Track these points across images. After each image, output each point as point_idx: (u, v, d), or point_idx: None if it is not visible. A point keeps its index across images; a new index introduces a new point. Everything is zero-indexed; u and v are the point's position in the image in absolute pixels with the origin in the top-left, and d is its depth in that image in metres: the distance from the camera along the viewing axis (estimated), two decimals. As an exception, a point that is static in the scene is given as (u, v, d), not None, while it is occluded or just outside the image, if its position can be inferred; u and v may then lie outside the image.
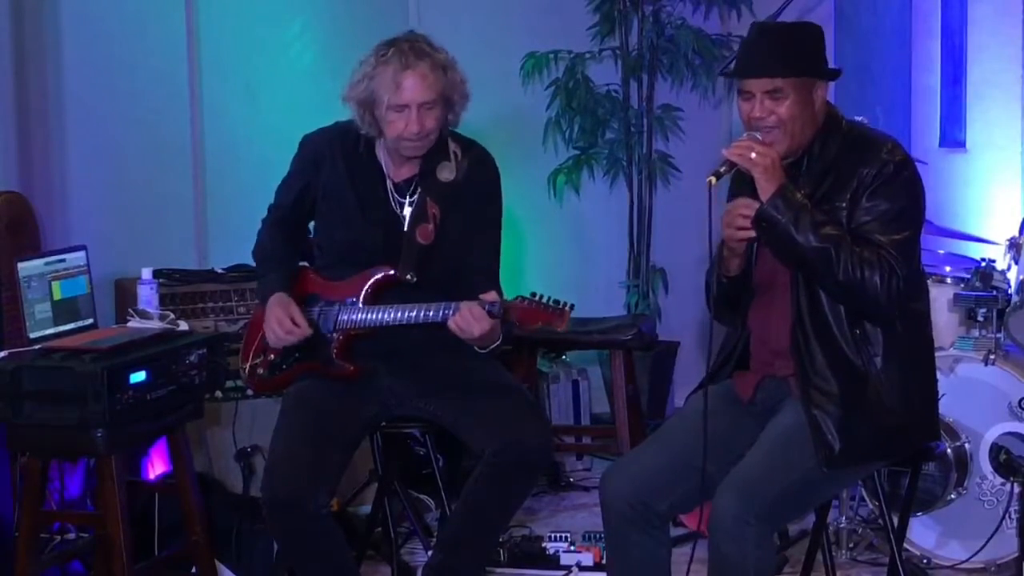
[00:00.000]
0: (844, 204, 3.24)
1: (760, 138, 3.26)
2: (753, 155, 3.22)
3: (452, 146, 3.75)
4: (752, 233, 3.27)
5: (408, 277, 3.66)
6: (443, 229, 3.70)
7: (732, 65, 3.40)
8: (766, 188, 3.21)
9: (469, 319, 3.46)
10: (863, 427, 3.22)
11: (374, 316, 3.64)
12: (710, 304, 3.45)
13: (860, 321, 3.25)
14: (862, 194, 3.23)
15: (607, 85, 5.93)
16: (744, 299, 3.42)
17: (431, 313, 3.55)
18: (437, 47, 3.66)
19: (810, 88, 3.26)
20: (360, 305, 3.68)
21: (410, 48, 3.61)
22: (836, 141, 3.30)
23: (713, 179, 3.26)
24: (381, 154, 3.76)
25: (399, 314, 3.60)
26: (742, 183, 3.35)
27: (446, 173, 3.73)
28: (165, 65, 5.25)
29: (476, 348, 3.57)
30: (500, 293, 3.59)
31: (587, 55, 5.89)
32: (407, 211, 3.72)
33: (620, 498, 3.31)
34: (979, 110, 5.32)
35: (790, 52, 3.25)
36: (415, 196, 3.73)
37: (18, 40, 4.76)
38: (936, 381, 3.47)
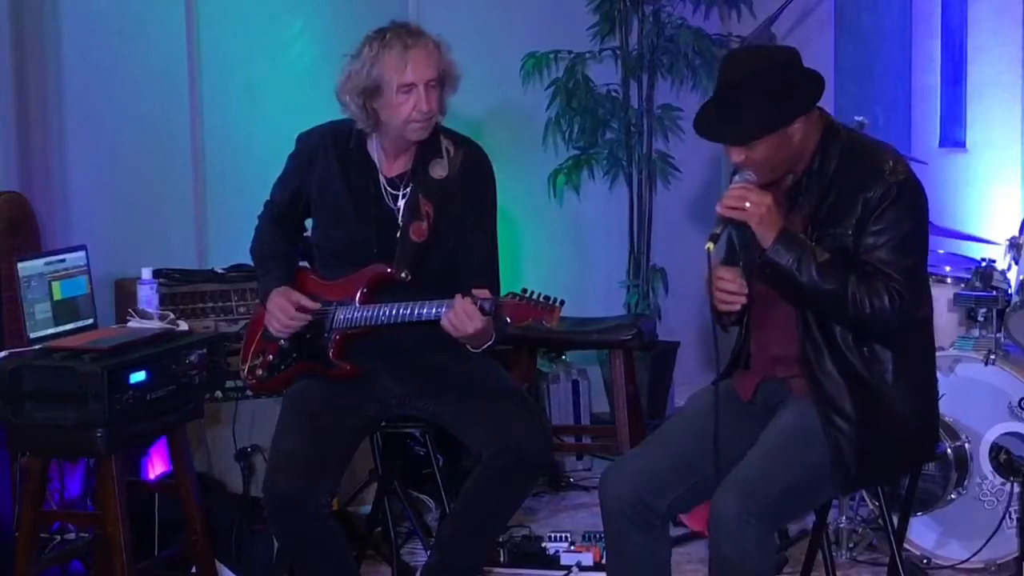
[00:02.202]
0: (850, 232, 3.20)
1: (752, 178, 3.22)
2: (747, 205, 3.18)
3: (444, 143, 3.75)
4: (737, 307, 3.26)
5: (403, 275, 3.66)
6: (437, 227, 3.69)
7: (699, 118, 3.35)
8: (765, 237, 3.19)
9: (462, 317, 3.45)
10: (878, 446, 3.22)
11: (369, 314, 3.64)
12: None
13: (870, 339, 3.24)
14: (868, 219, 3.19)
15: (607, 85, 5.93)
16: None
17: (425, 310, 3.55)
18: (425, 29, 3.69)
19: (784, 130, 3.20)
20: (356, 304, 3.68)
21: (407, 30, 3.64)
22: (834, 156, 3.25)
23: (711, 245, 3.22)
24: (373, 149, 3.76)
25: (394, 312, 3.60)
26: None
27: (439, 170, 3.72)
28: (165, 65, 5.25)
29: (469, 347, 3.57)
30: (497, 290, 3.59)
31: (587, 55, 5.89)
32: (399, 206, 3.72)
33: (620, 498, 3.30)
34: (979, 110, 5.32)
35: (755, 114, 3.17)
36: (407, 192, 3.72)
37: (18, 40, 4.76)
38: (936, 385, 3.46)
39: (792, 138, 3.22)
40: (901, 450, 3.29)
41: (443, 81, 3.65)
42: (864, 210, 3.19)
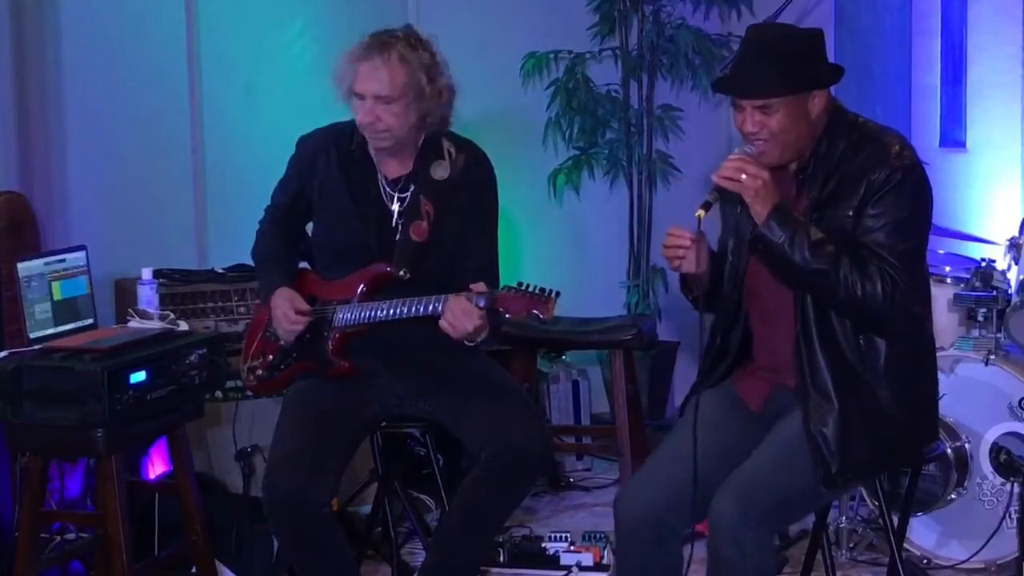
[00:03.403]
0: (851, 212, 3.17)
1: (750, 151, 3.19)
2: (743, 177, 3.14)
3: (446, 144, 3.75)
4: (683, 264, 3.24)
5: (401, 274, 3.66)
6: (437, 227, 3.70)
7: (723, 73, 3.33)
8: (760, 211, 3.14)
9: (460, 316, 3.44)
10: (862, 443, 3.18)
11: (367, 313, 3.65)
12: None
13: (865, 328, 3.21)
14: (869, 200, 3.16)
15: (607, 85, 5.93)
16: (720, 288, 3.36)
17: (421, 307, 3.54)
18: (420, 47, 3.64)
19: (805, 100, 3.18)
20: (356, 303, 3.68)
21: (383, 41, 3.61)
22: (841, 139, 3.22)
23: (702, 212, 3.18)
24: (374, 151, 3.76)
25: (392, 310, 3.60)
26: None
27: (440, 171, 3.73)
28: (165, 65, 5.25)
29: (465, 342, 3.55)
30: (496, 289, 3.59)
31: (587, 55, 5.89)
32: (399, 207, 3.73)
33: (637, 519, 3.23)
34: (979, 110, 5.32)
35: (780, 70, 3.15)
36: (407, 193, 3.73)
37: (18, 40, 4.76)
38: (937, 383, 3.44)
39: (809, 113, 3.19)
40: (887, 447, 3.24)
41: (408, 98, 3.60)
42: (867, 191, 3.16)
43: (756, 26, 3.38)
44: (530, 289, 3.42)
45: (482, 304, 3.43)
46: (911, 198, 3.18)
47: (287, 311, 3.70)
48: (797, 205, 3.24)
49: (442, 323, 3.48)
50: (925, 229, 3.26)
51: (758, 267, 3.30)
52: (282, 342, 3.76)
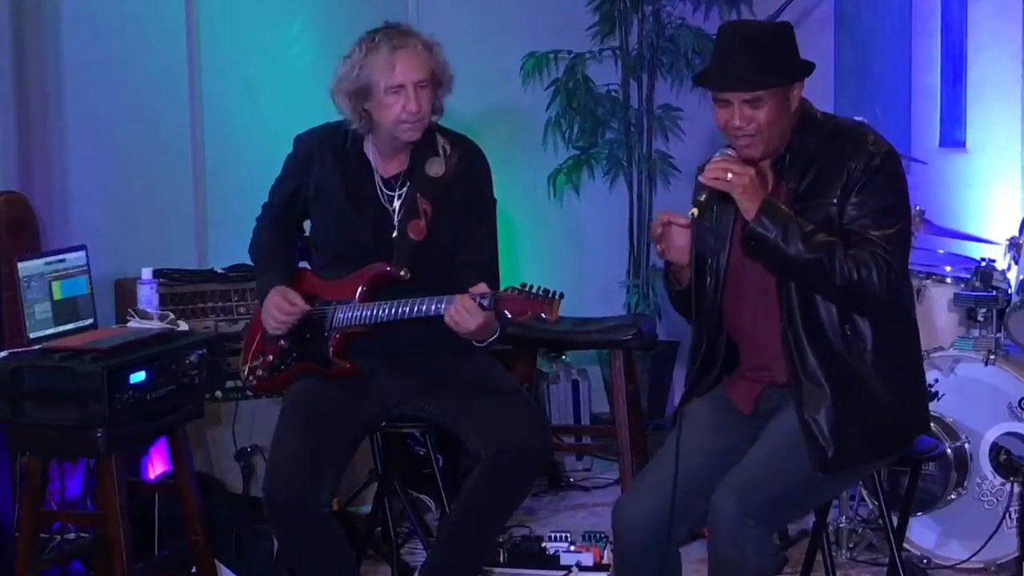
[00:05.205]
0: (835, 200, 3.21)
1: (732, 154, 3.23)
2: (730, 176, 3.18)
3: (441, 141, 3.75)
4: (677, 260, 3.28)
5: (402, 273, 3.66)
6: (435, 225, 3.70)
7: (706, 72, 3.34)
8: (748, 208, 3.17)
9: (464, 313, 3.45)
10: (856, 429, 3.19)
11: (369, 313, 3.64)
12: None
13: (851, 316, 3.22)
14: (852, 188, 3.20)
15: (607, 85, 5.93)
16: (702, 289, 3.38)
17: (424, 307, 3.55)
18: (417, 30, 3.69)
19: (787, 92, 3.23)
20: (356, 303, 3.68)
21: (396, 31, 3.64)
22: (814, 132, 3.27)
23: (695, 211, 3.22)
24: (369, 150, 3.77)
25: (394, 310, 3.60)
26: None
27: (435, 168, 3.73)
28: (165, 65, 5.25)
29: (475, 342, 3.57)
30: (496, 287, 3.59)
31: (587, 55, 5.90)
32: (396, 205, 3.73)
33: (639, 529, 3.24)
34: (979, 110, 5.32)
35: (769, 62, 3.20)
36: (404, 191, 3.73)
37: (18, 40, 4.76)
38: (923, 371, 3.44)
39: (790, 106, 3.24)
40: (880, 435, 3.25)
41: (436, 81, 3.65)
42: (849, 179, 3.21)
43: (731, 24, 3.45)
44: (533, 290, 3.42)
45: (485, 304, 3.43)
46: (892, 183, 3.24)
47: (279, 302, 3.69)
48: (776, 195, 3.26)
49: (447, 319, 3.49)
50: (907, 213, 3.32)
51: (740, 264, 3.32)
52: (281, 341, 3.75)
